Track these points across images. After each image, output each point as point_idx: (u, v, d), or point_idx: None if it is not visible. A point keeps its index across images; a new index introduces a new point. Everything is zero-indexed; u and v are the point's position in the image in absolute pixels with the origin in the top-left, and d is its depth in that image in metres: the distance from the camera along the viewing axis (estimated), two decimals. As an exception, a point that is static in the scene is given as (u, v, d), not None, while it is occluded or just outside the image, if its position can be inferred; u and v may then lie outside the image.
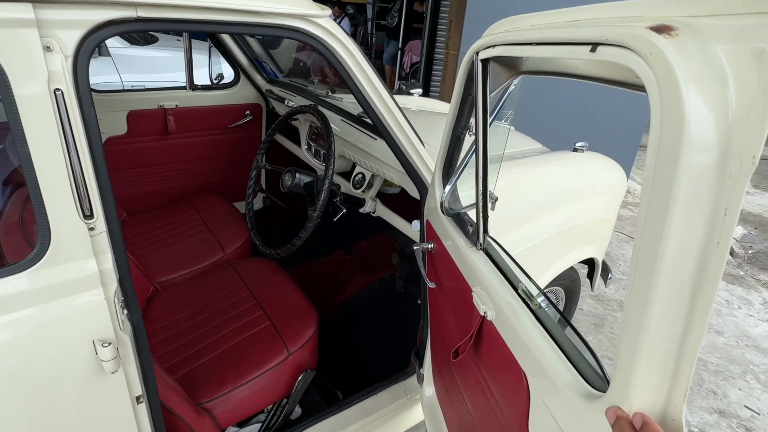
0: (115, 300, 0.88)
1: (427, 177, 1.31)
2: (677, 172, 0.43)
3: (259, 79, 2.26)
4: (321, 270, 2.25)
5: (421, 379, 1.52)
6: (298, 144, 2.13)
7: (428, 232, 1.25)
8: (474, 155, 0.97)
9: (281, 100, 2.02)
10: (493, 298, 0.82)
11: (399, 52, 7.10)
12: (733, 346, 2.57)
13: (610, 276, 2.17)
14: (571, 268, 1.99)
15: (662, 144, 0.45)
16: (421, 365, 1.56)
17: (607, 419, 0.56)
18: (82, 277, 0.83)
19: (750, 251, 3.85)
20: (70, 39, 0.76)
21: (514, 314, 0.79)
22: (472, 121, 0.98)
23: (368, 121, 1.61)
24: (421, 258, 1.21)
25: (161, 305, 1.58)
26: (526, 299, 0.78)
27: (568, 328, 0.72)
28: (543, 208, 1.67)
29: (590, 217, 1.86)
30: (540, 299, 0.75)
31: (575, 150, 1.94)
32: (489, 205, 0.88)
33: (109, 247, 0.86)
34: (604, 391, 0.62)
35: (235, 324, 1.48)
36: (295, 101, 1.95)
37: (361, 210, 1.65)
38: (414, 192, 1.44)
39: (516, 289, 0.82)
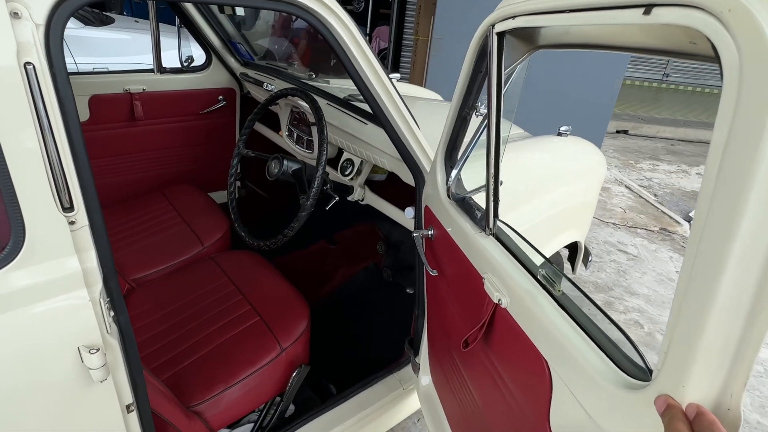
0: (101, 301, 0.80)
1: (425, 163, 1.27)
2: (758, 166, 0.39)
3: (232, 61, 2.14)
4: (304, 261, 2.18)
5: (417, 369, 1.50)
6: (276, 130, 2.04)
7: (427, 219, 1.21)
8: (482, 136, 0.94)
9: (259, 83, 1.92)
10: (507, 285, 0.79)
11: (367, 38, 6.98)
12: None
13: (590, 259, 2.21)
14: (556, 252, 2.01)
15: (740, 127, 0.40)
16: (416, 354, 1.54)
17: (656, 408, 0.54)
18: (63, 277, 0.74)
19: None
20: (41, 5, 0.66)
21: (533, 301, 0.76)
22: (479, 101, 0.94)
23: (357, 105, 1.55)
24: (421, 245, 1.17)
25: (138, 304, 1.48)
26: (547, 285, 0.75)
27: (596, 315, 0.69)
28: (531, 193, 1.66)
29: (575, 201, 1.88)
30: (563, 284, 0.72)
31: (559, 134, 1.94)
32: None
33: (92, 242, 0.78)
34: (644, 380, 0.60)
35: (222, 320, 1.40)
36: (275, 85, 1.85)
37: (349, 198, 1.60)
38: (408, 178, 1.39)
39: (534, 275, 0.79)
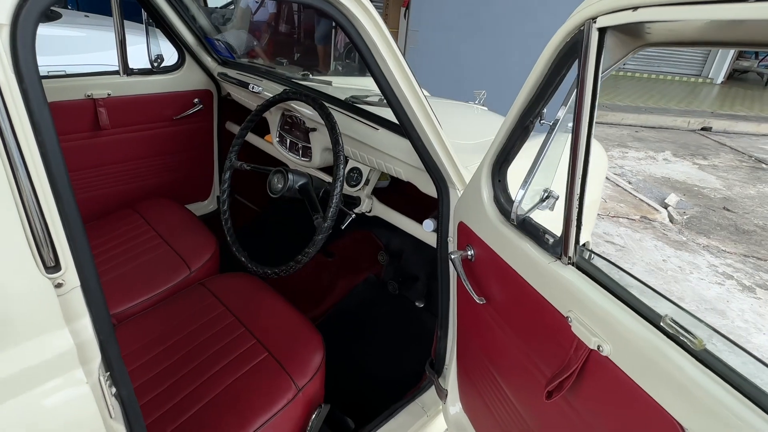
0: (101, 379, 0.62)
1: (451, 172, 1.14)
2: None
3: (209, 60, 1.93)
4: (298, 277, 2.01)
5: (443, 395, 1.37)
6: (260, 134, 1.85)
7: (463, 237, 1.09)
8: (548, 148, 0.81)
9: (243, 85, 1.72)
10: (609, 329, 0.67)
11: (333, 30, 6.75)
12: (695, 311, 2.71)
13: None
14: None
15: None
16: (439, 375, 1.42)
17: None
18: (52, 359, 0.57)
19: (685, 217, 4.12)
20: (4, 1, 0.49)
21: (659, 354, 0.62)
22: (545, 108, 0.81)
23: (364, 108, 1.40)
24: (460, 268, 1.04)
25: (124, 345, 1.28)
26: (681, 337, 0.62)
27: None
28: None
29: (587, 200, 1.80)
30: (704, 334, 0.61)
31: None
32: (572, 208, 0.72)
33: (86, 307, 0.60)
34: None
35: (226, 359, 1.23)
36: (263, 86, 1.67)
37: (356, 210, 1.45)
38: (427, 188, 1.26)
39: (651, 320, 0.65)
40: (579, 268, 0.74)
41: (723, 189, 4.75)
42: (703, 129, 7.11)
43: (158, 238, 1.67)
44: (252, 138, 1.90)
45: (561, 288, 0.74)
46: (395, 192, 1.64)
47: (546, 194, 0.88)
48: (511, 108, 0.83)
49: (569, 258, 0.75)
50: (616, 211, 3.91)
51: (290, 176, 1.20)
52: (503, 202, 0.92)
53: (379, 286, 1.98)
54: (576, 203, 0.71)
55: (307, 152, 1.58)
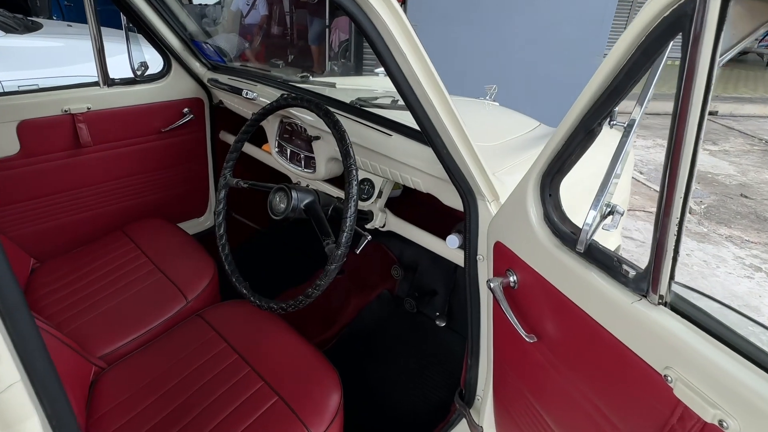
0: None
1: (481, 182, 0.98)
2: None
3: (197, 66, 1.77)
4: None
5: (478, 432, 1.22)
6: (258, 144, 1.69)
7: (502, 259, 0.93)
8: (623, 155, 0.66)
9: (236, 91, 1.57)
10: (735, 398, 0.51)
11: (326, 30, 6.59)
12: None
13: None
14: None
15: None
16: (469, 406, 1.26)
17: None
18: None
19: (703, 206, 3.96)
20: None
21: None
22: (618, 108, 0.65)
23: (373, 112, 1.24)
24: (502, 297, 0.88)
25: (114, 391, 1.13)
26: None
27: None
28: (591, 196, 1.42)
29: (620, 199, 1.65)
30: None
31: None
32: (672, 234, 0.56)
33: (32, 406, 0.45)
34: None
35: (232, 405, 1.07)
36: (257, 92, 1.51)
37: (368, 226, 1.29)
38: (451, 200, 1.11)
39: None
40: (676, 309, 0.59)
41: (738, 175, 4.59)
42: (709, 113, 6.95)
43: (150, 264, 1.52)
44: (248, 148, 1.75)
45: (651, 336, 0.59)
46: (409, 202, 1.49)
47: (608, 209, 0.72)
48: (572, 109, 0.67)
49: (660, 297, 0.59)
50: (631, 204, 3.75)
51: (294, 194, 1.04)
52: (557, 221, 0.76)
53: (393, 303, 1.82)
54: (674, 226, 0.55)
55: (310, 163, 1.43)
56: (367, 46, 5.59)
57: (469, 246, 1.08)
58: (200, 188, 2.04)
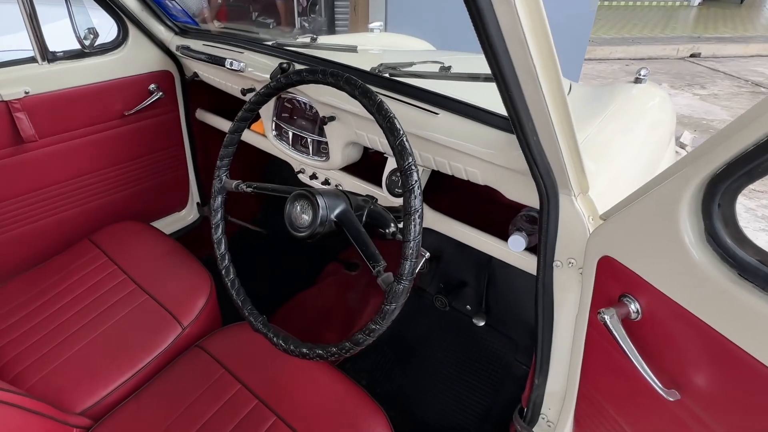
0: None
1: (573, 174, 0.75)
2: None
3: (161, 30, 1.42)
4: (318, 301, 1.61)
5: (550, 461, 1.04)
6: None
7: (613, 280, 0.71)
8: None
9: (217, 61, 1.25)
10: None
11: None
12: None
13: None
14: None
15: None
16: (533, 425, 1.09)
17: None
18: None
19: (701, 155, 3.83)
20: None
21: None
22: None
23: (409, 83, 0.97)
24: (622, 334, 0.66)
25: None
26: None
27: None
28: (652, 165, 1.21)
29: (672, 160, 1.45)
30: None
31: (637, 81, 1.47)
32: None
33: None
34: None
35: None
36: (245, 60, 1.20)
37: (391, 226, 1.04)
38: (516, 193, 0.88)
39: None
40: None
41: (731, 119, 4.49)
42: (692, 56, 6.80)
43: (130, 282, 1.24)
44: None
45: None
46: (438, 189, 1.24)
47: None
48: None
49: None
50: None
51: (321, 201, 0.78)
52: (728, 242, 0.53)
53: (417, 297, 1.61)
54: None
55: (320, 149, 1.15)
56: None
57: (545, 249, 0.86)
58: (178, 177, 1.73)
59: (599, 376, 0.88)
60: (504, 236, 1.00)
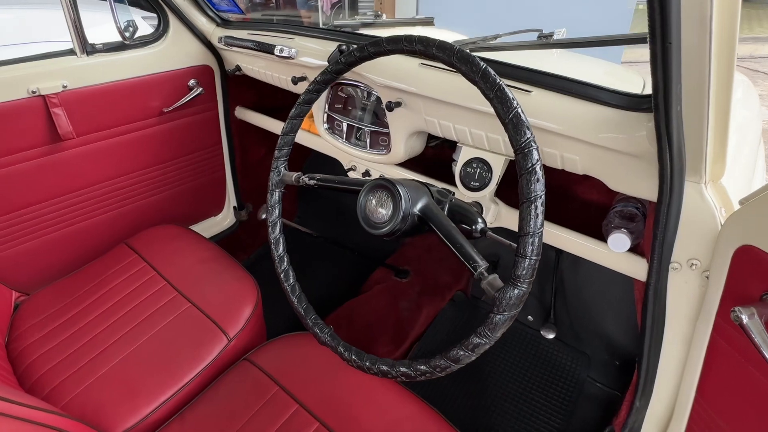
0: None
1: (710, 159, 0.62)
2: None
3: (203, 22, 1.35)
4: (368, 309, 1.49)
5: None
6: (282, 118, 1.30)
7: (753, 272, 0.58)
8: None
9: (265, 48, 1.16)
10: None
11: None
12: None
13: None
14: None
15: None
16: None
17: None
18: None
19: None
20: None
21: None
22: None
23: (495, 59, 0.85)
24: (762, 334, 0.53)
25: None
26: None
27: None
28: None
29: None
30: None
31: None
32: None
33: None
34: None
35: None
36: (295, 46, 1.10)
37: (478, 226, 0.92)
38: (622, 184, 0.75)
39: None
40: None
41: (781, 120, 4.25)
42: (728, 57, 6.56)
43: (170, 289, 1.15)
44: (269, 123, 1.35)
45: None
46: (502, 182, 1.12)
47: None
48: None
49: None
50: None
51: (403, 192, 0.66)
52: None
53: (471, 306, 1.48)
54: None
55: (378, 141, 1.04)
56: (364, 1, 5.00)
57: (660, 249, 0.72)
58: (215, 180, 1.64)
59: (721, 395, 0.74)
60: (592, 236, 0.87)
